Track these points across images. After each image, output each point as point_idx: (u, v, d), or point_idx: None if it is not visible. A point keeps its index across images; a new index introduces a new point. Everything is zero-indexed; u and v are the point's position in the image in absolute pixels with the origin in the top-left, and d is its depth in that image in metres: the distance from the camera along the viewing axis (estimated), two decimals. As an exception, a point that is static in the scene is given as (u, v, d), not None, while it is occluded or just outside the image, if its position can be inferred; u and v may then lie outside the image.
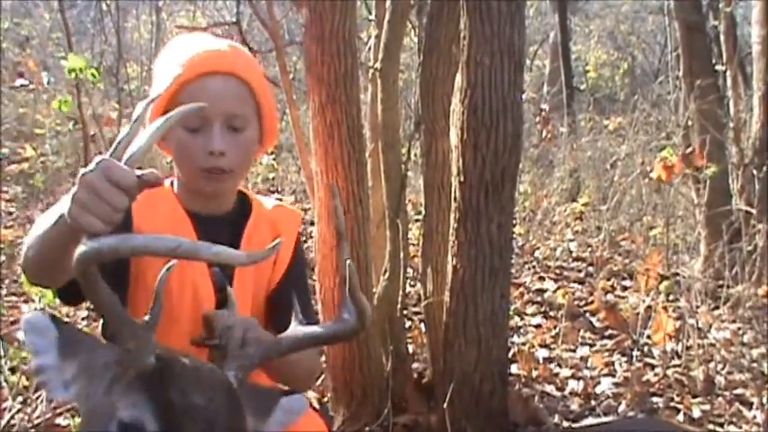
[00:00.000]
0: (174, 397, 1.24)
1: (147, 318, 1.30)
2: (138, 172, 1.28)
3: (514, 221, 4.06)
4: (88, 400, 1.30)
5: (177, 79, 1.74)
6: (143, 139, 1.31)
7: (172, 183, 1.89)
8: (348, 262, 1.42)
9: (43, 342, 1.31)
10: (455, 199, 3.10)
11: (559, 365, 4.35)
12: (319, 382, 3.78)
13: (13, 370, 3.42)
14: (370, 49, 4.62)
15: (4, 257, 5.66)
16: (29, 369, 3.26)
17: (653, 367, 4.30)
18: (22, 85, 8.98)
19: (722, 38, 6.55)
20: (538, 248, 7.00)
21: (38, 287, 2.86)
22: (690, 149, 5.81)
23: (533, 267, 6.51)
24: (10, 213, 7.19)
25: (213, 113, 1.73)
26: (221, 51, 1.82)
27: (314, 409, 1.98)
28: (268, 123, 1.88)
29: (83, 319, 4.35)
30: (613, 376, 4.21)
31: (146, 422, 1.23)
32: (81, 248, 1.22)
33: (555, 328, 4.84)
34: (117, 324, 1.29)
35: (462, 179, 3.05)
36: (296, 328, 1.49)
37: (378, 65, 3.94)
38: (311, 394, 3.61)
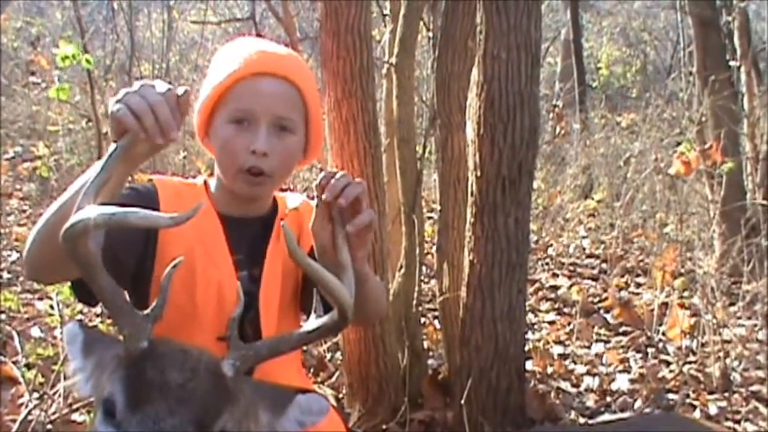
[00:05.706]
0: (150, 373, 1.28)
1: (148, 310, 1.35)
2: None
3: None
4: (97, 391, 1.36)
5: (232, 76, 1.73)
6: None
7: (206, 182, 1.89)
8: (282, 223, 1.41)
9: (74, 348, 1.38)
10: (472, 194, 3.09)
11: (574, 362, 4.33)
12: (334, 378, 3.77)
13: (29, 366, 3.43)
14: (384, 44, 4.61)
15: (18, 255, 5.68)
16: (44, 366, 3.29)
17: (668, 364, 4.28)
18: (34, 83, 9.02)
19: (736, 33, 6.53)
20: (551, 245, 6.99)
21: (37, 281, 2.85)
22: (708, 145, 5.78)
23: (547, 264, 6.50)
24: (23, 211, 7.22)
25: (261, 113, 1.73)
26: (278, 55, 1.81)
27: (332, 405, 1.97)
28: (314, 135, 1.86)
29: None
30: (629, 373, 4.19)
31: (116, 395, 1.27)
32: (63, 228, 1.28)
33: (569, 324, 4.83)
34: (116, 311, 1.34)
35: (479, 174, 3.04)
36: (311, 322, 1.49)
37: (393, 60, 3.93)
38: (327, 391, 3.61)
